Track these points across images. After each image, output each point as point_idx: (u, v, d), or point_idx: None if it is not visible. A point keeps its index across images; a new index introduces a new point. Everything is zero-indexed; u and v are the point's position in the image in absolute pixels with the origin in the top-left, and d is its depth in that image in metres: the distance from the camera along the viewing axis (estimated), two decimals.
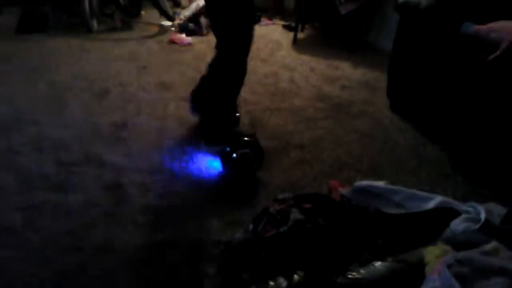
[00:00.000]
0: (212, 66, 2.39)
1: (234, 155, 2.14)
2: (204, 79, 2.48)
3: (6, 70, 3.26)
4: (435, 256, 1.09)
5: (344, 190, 1.82)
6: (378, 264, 1.13)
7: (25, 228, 1.79)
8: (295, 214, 1.61)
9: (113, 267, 1.64)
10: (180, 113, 2.75)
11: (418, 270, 1.07)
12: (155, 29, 4.55)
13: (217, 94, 2.35)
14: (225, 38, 2.29)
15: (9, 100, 2.81)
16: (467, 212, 1.49)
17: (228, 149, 2.16)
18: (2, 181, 2.05)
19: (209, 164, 2.26)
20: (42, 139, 2.41)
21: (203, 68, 3.28)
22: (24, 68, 3.32)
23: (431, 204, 1.62)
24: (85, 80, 3.19)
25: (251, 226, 1.71)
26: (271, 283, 1.14)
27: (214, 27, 2.36)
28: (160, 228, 1.85)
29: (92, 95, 2.97)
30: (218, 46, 2.35)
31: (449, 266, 0.99)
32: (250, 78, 3.38)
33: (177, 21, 4.55)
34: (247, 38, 2.31)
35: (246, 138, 2.22)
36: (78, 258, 1.67)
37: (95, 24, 4.33)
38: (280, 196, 1.76)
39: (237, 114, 2.61)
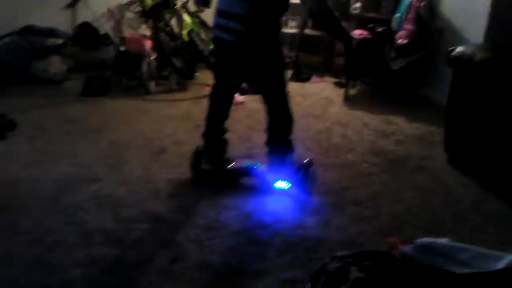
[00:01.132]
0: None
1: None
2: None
3: (72, 130, 3.45)
4: None
5: (406, 248, 1.75)
6: None
7: (85, 284, 1.82)
8: (355, 273, 1.55)
9: None
10: None
11: None
12: (209, 89, 4.70)
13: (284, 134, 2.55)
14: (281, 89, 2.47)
15: (73, 158, 2.95)
16: None
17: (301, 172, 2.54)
18: (65, 235, 2.12)
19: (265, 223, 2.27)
20: (103, 196, 2.49)
21: (255, 125, 3.35)
22: (87, 128, 3.50)
23: (501, 263, 1.52)
24: (143, 139, 3.31)
25: (309, 285, 1.66)
26: None
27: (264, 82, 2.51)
28: (216, 286, 1.83)
29: (150, 153, 3.07)
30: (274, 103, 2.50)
31: None
32: (303, 134, 3.41)
33: None
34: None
35: (306, 160, 2.59)
36: None
37: (152, 86, 4.55)
38: (338, 254, 1.70)
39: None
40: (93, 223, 2.23)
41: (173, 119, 3.77)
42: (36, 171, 2.77)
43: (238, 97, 4.26)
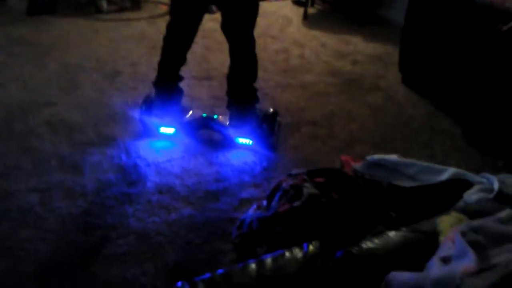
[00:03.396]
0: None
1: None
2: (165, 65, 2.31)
3: (18, 52, 3.27)
4: (449, 224, 1.09)
5: (357, 165, 1.82)
6: (392, 234, 1.14)
7: (42, 209, 1.82)
8: (309, 189, 1.62)
9: (129, 246, 1.67)
10: (191, 92, 2.75)
11: (432, 238, 1.08)
12: (164, 9, 4.52)
13: (248, 77, 2.26)
14: (250, 17, 2.15)
15: (22, 82, 2.83)
16: (480, 183, 1.49)
17: (265, 126, 2.26)
18: (18, 162, 2.09)
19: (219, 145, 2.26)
20: (56, 121, 2.43)
21: (212, 45, 3.27)
22: (35, 50, 3.34)
23: (444, 176, 1.62)
24: (96, 61, 3.20)
25: (265, 202, 1.73)
26: (287, 253, 1.15)
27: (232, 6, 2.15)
28: (175, 207, 1.87)
29: (104, 76, 2.98)
30: (237, 27, 2.18)
31: (463, 234, 1.00)
32: (261, 55, 3.36)
33: None
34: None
35: (271, 110, 2.33)
36: (96, 237, 1.70)
37: (104, 4, 4.31)
38: (293, 172, 1.76)
39: None
40: (48, 149, 2.20)
41: (127, 40, 3.63)
42: None
43: None
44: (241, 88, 2.25)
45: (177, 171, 2.09)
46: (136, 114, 2.40)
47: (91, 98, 2.69)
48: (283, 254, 1.18)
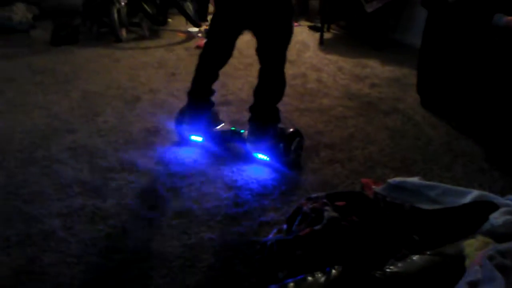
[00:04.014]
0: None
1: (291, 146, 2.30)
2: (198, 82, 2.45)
3: (42, 81, 3.36)
4: (475, 248, 1.07)
5: (378, 187, 1.81)
6: (416, 257, 1.12)
7: (64, 233, 1.84)
8: (329, 212, 1.60)
9: (150, 270, 1.67)
10: None
11: (458, 262, 1.05)
12: (182, 36, 4.62)
13: (272, 95, 2.33)
14: (283, 40, 2.25)
15: (46, 109, 2.90)
16: (506, 205, 1.46)
17: (282, 144, 2.28)
18: (41, 187, 2.12)
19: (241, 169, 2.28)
20: (78, 147, 2.47)
21: (230, 72, 3.32)
22: (58, 78, 3.42)
23: (468, 198, 1.59)
24: (116, 89, 3.26)
25: (285, 226, 1.72)
26: (309, 278, 1.14)
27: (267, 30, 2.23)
28: (195, 231, 1.87)
29: (124, 103, 3.03)
30: (270, 50, 2.26)
31: (490, 258, 0.97)
32: None
33: (203, 27, 4.60)
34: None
35: (292, 130, 2.36)
36: (116, 261, 1.71)
37: (124, 33, 4.42)
38: (313, 195, 1.75)
39: None
40: (69, 174, 2.23)
41: (146, 67, 3.71)
42: (9, 123, 2.72)
43: None
44: (265, 106, 2.31)
45: (196, 194, 2.10)
46: (171, 125, 2.58)
47: (112, 125, 2.73)
48: (305, 279, 1.17)
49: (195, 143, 2.51)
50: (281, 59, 2.27)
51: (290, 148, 2.29)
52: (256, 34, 2.25)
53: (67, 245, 1.77)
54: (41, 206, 1.99)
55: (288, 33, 2.25)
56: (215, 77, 2.40)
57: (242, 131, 2.42)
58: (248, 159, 2.36)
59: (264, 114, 2.30)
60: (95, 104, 3.00)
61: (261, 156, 2.33)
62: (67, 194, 2.08)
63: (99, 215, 1.95)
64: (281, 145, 2.27)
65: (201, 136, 2.48)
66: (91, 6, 4.45)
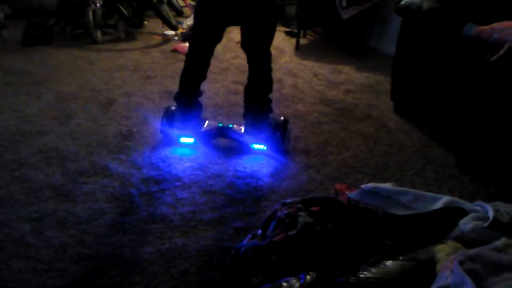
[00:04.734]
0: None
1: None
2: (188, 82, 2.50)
3: (13, 82, 3.29)
4: (446, 253, 1.09)
5: (351, 193, 1.83)
6: (389, 263, 1.13)
7: (34, 239, 1.80)
8: (304, 218, 1.61)
9: (123, 277, 1.65)
10: None
11: (430, 267, 1.07)
12: (158, 39, 4.58)
13: (265, 87, 2.45)
14: (270, 34, 2.36)
15: (16, 112, 2.83)
16: (475, 211, 1.50)
17: (278, 133, 2.45)
18: (11, 191, 2.07)
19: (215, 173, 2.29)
20: (49, 150, 2.42)
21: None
22: (30, 79, 3.35)
23: (439, 204, 1.62)
24: (90, 91, 3.21)
25: (259, 231, 1.72)
26: (284, 284, 1.14)
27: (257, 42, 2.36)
28: (169, 236, 1.86)
29: (98, 105, 2.99)
30: (256, 44, 2.36)
31: (460, 263, 0.99)
32: None
33: (180, 30, 4.58)
34: None
35: (282, 119, 2.52)
36: (87, 267, 1.68)
37: (99, 35, 4.36)
38: (288, 200, 1.76)
39: None
40: (40, 178, 2.18)
41: (122, 70, 3.66)
42: None
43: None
44: (257, 99, 2.43)
45: (170, 199, 2.08)
46: (157, 126, 2.59)
47: (85, 127, 2.69)
48: (280, 285, 1.17)
49: (182, 145, 2.53)
50: (267, 51, 2.37)
51: (286, 135, 2.46)
52: (243, 27, 2.35)
53: (36, 251, 1.73)
54: (10, 210, 1.95)
55: (272, 27, 2.35)
56: (203, 77, 2.45)
57: (230, 125, 2.52)
58: (242, 152, 2.49)
59: (258, 105, 2.43)
60: (68, 106, 2.95)
61: (257, 146, 2.47)
62: (38, 198, 2.04)
63: (71, 220, 1.92)
64: (277, 133, 2.44)
65: (192, 138, 2.52)
66: (66, 6, 4.37)
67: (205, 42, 2.36)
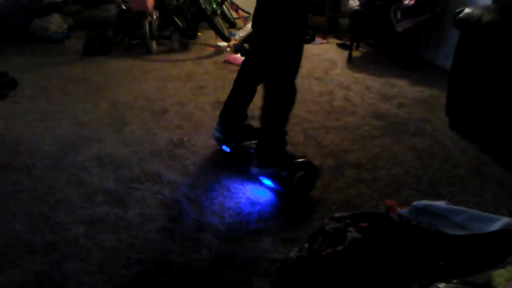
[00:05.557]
0: (265, 90, 2.21)
1: (294, 178, 2.16)
2: (230, 99, 2.51)
3: (73, 90, 3.44)
4: (505, 279, 1.03)
5: (403, 210, 1.77)
6: (442, 285, 1.09)
7: (87, 241, 1.86)
8: (352, 233, 1.58)
9: (170, 283, 1.67)
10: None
11: None
12: (211, 50, 4.67)
13: (271, 117, 2.24)
14: (276, 59, 2.13)
15: (75, 118, 2.96)
16: None
17: (285, 173, 2.17)
18: (68, 195, 2.16)
19: (265, 185, 2.27)
20: (104, 156, 2.51)
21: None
22: (89, 88, 3.50)
23: (496, 226, 1.54)
24: (144, 100, 3.31)
25: (306, 245, 1.69)
26: None
27: (262, 48, 2.24)
28: (216, 245, 1.87)
29: (152, 114, 3.07)
30: (265, 69, 2.19)
31: None
32: (305, 97, 3.40)
33: (232, 42, 4.65)
34: (298, 58, 2.16)
35: (300, 160, 2.24)
36: (136, 272, 1.71)
37: (154, 45, 4.50)
38: (337, 215, 1.73)
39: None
40: (95, 183, 2.26)
41: (175, 80, 3.75)
42: (39, 130, 2.78)
43: (241, 57, 4.23)
44: (267, 128, 2.24)
45: (218, 208, 2.09)
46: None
47: (138, 135, 2.77)
48: None
49: (225, 155, 2.55)
50: (277, 75, 2.14)
51: (291, 181, 2.16)
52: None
53: (89, 254, 1.79)
54: (66, 213, 2.02)
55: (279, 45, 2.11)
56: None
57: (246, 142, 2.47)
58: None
59: (267, 137, 2.24)
60: (123, 115, 3.05)
61: (265, 180, 2.26)
62: (92, 203, 2.11)
63: (122, 224, 1.97)
64: (284, 173, 2.17)
65: (228, 148, 2.54)
66: (124, 18, 4.55)
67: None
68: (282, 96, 2.18)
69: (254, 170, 2.28)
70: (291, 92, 2.18)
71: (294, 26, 2.11)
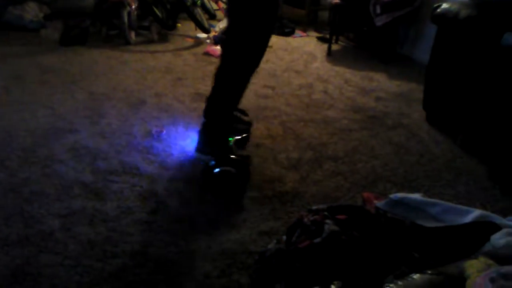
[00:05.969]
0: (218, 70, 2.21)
1: (217, 169, 2.12)
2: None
3: (49, 80, 3.38)
4: (477, 269, 1.05)
5: (379, 202, 1.79)
6: (416, 276, 1.10)
7: (63, 234, 1.83)
8: (330, 225, 1.59)
9: (147, 276, 1.66)
10: None
11: (459, 283, 1.04)
12: (190, 42, 4.63)
13: (219, 101, 2.23)
14: (239, 30, 2.04)
15: (51, 109, 2.90)
16: (508, 226, 1.44)
17: (213, 162, 2.14)
18: (42, 187, 2.12)
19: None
20: (80, 148, 2.47)
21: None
22: (65, 78, 3.44)
23: (469, 218, 1.57)
24: (122, 91, 3.27)
25: (284, 237, 1.70)
26: None
27: (232, 15, 2.14)
28: (194, 237, 1.86)
29: (129, 105, 3.04)
30: (228, 43, 2.15)
31: (492, 280, 0.96)
32: (284, 90, 3.41)
33: (212, 33, 4.62)
34: (261, 45, 2.10)
35: (234, 156, 2.19)
36: (113, 265, 1.70)
37: (133, 36, 4.44)
38: (314, 207, 1.74)
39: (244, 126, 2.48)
40: (70, 175, 2.23)
41: (154, 71, 3.72)
42: (13, 121, 2.72)
43: (220, 49, 4.21)
44: (215, 107, 2.24)
45: (197, 201, 2.09)
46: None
47: (116, 127, 2.73)
48: None
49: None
50: (242, 24, 2.03)
51: (212, 173, 2.10)
52: None
53: (64, 247, 1.76)
54: (41, 206, 1.99)
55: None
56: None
57: (230, 138, 2.39)
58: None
59: (211, 119, 2.26)
60: (100, 106, 3.00)
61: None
62: (68, 195, 2.08)
63: (99, 217, 1.94)
64: (212, 163, 2.13)
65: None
66: (102, 8, 4.47)
67: None
68: (240, 54, 2.05)
69: (194, 152, 2.34)
70: (251, 52, 2.04)
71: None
